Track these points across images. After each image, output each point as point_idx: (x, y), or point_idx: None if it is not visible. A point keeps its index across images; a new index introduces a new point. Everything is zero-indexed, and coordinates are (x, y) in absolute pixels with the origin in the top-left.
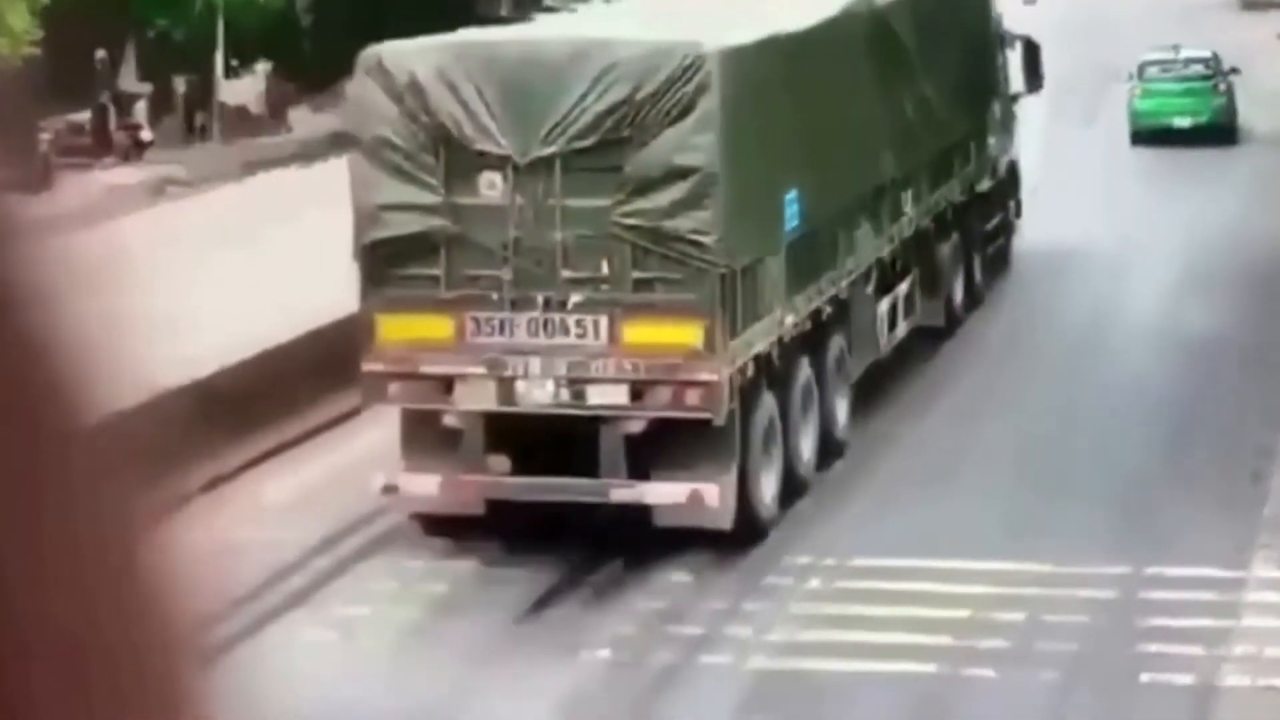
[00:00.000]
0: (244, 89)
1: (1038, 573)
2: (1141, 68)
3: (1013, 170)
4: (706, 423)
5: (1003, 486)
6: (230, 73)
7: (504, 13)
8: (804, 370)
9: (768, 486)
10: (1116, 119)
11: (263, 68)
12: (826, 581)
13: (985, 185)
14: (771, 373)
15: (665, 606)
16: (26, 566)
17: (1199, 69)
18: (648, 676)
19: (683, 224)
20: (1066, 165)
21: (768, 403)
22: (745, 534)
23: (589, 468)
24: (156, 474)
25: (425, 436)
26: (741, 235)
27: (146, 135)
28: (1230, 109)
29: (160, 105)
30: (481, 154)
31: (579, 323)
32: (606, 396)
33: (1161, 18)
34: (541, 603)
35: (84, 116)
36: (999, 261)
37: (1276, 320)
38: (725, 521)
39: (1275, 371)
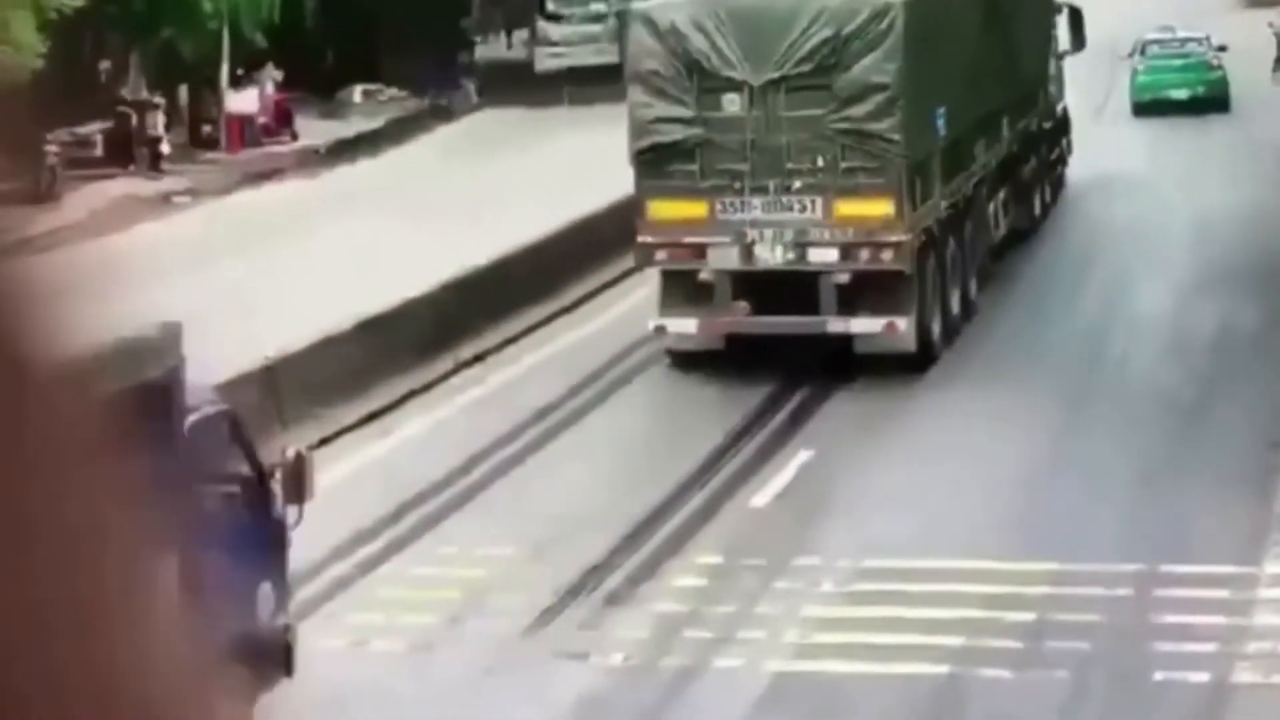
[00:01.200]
0: (250, 98)
1: (1047, 571)
2: (1143, 46)
3: (1065, 114)
4: (897, 273)
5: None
6: (236, 82)
7: (501, 22)
8: (951, 245)
9: (936, 325)
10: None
11: (270, 76)
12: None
13: (1049, 124)
14: (934, 243)
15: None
16: (11, 577)
17: (1194, 46)
18: None
19: (876, 127)
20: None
21: (933, 264)
22: (923, 357)
23: (809, 309)
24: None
25: (682, 291)
26: (916, 137)
27: (165, 147)
28: (1223, 81)
29: (167, 115)
30: (726, 79)
31: (800, 202)
32: (822, 256)
33: (1169, 10)
34: None
35: (90, 128)
36: (1058, 183)
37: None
38: (911, 345)
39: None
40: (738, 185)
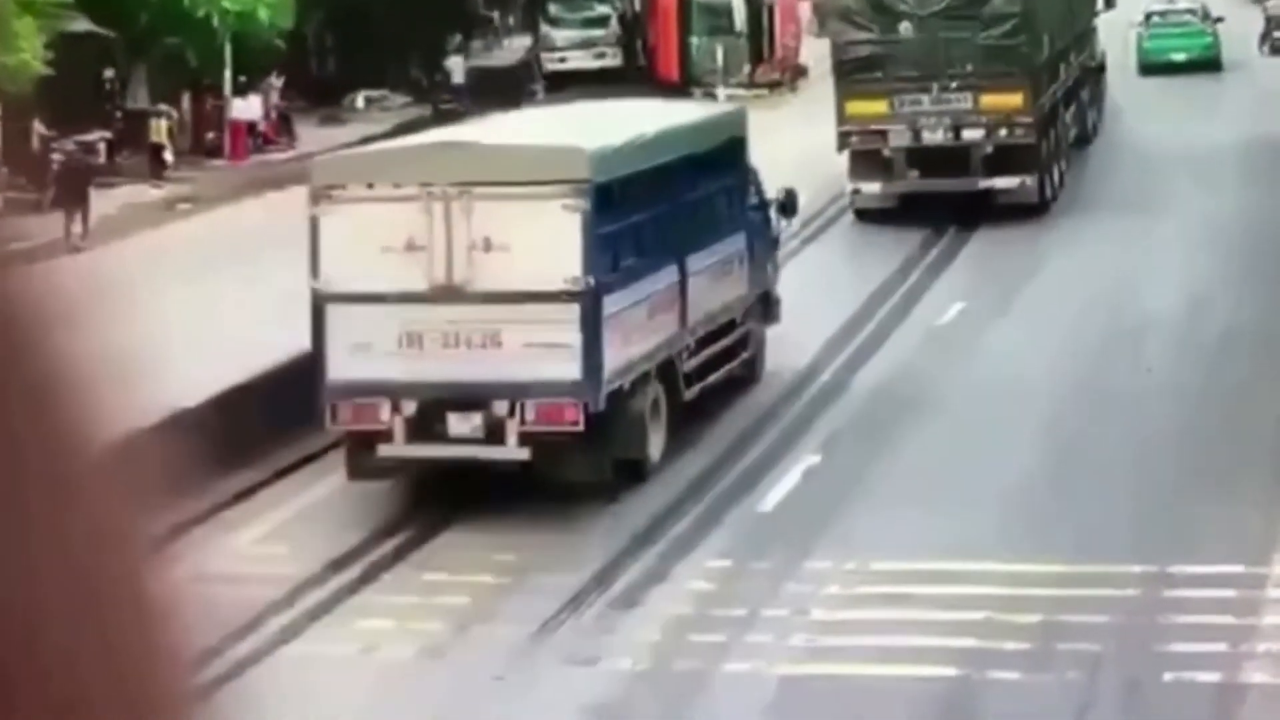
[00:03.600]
0: (253, 106)
1: (1055, 571)
2: (1147, 15)
3: (1104, 58)
4: (1026, 145)
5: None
6: (239, 90)
7: (497, 25)
8: (1053, 131)
9: (1049, 183)
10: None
11: (271, 84)
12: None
13: (1093, 63)
14: (1045, 127)
15: None
16: (13, 593)
17: (1190, 17)
18: None
19: (1011, 42)
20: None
21: (1046, 141)
22: (1042, 204)
23: (963, 173)
24: None
25: (868, 165)
26: (1035, 51)
27: (169, 155)
28: (1216, 46)
29: (170, 123)
30: (900, 12)
31: (956, 97)
32: (972, 134)
33: None
34: None
35: (94, 136)
36: (1101, 109)
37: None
38: (1035, 197)
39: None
40: (910, 87)
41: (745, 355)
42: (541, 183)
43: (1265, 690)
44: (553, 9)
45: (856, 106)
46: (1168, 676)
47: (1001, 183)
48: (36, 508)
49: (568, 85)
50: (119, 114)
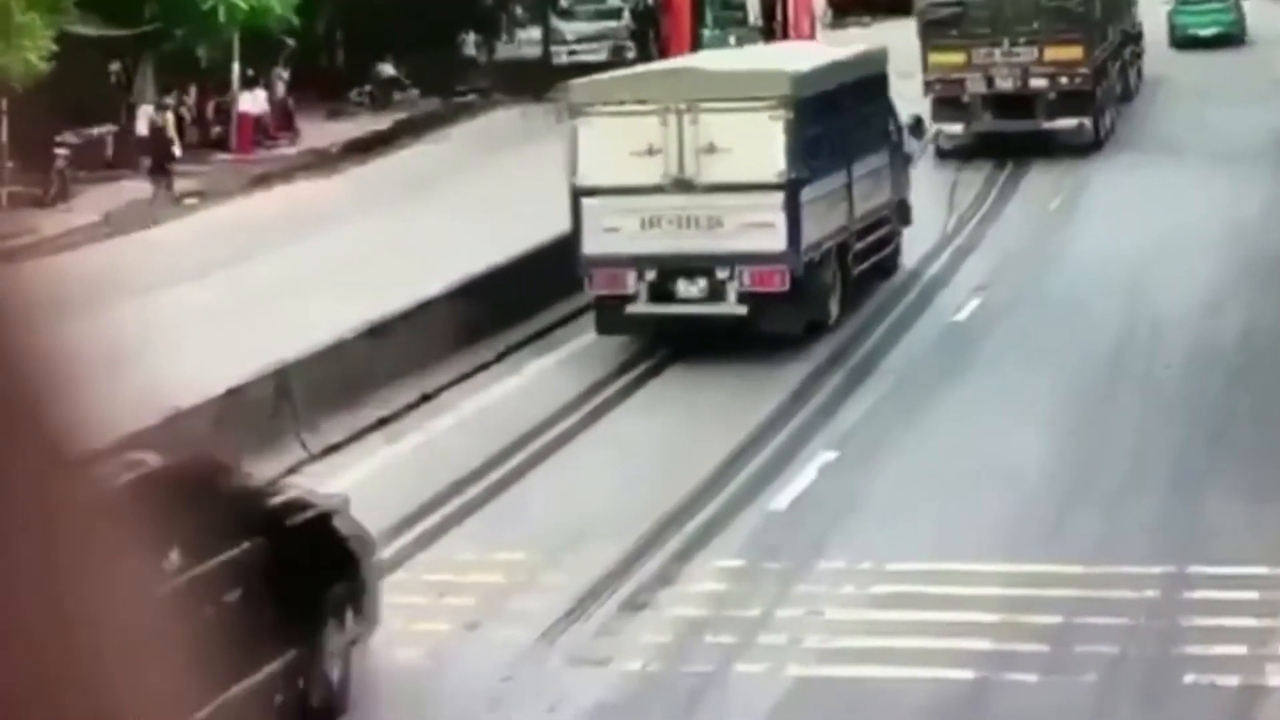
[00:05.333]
0: (257, 99)
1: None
2: None
3: (1141, 27)
4: (1084, 92)
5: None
6: (246, 83)
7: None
8: (1104, 82)
9: (1103, 125)
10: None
11: (278, 77)
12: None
13: (1134, 29)
14: (1099, 78)
15: None
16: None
17: None
18: None
19: (1072, 3)
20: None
21: (1100, 89)
22: (1096, 142)
23: (1029, 116)
24: None
25: (948, 109)
26: (1093, 10)
27: (176, 149)
28: (1241, 22)
29: (177, 117)
30: None
31: (1024, 50)
32: (1037, 83)
33: None
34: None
35: (100, 130)
36: (1140, 71)
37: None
38: (1090, 136)
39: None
40: (984, 41)
41: (889, 249)
42: (753, 98)
43: None
44: (564, 2)
45: (938, 58)
46: (1187, 679)
47: (1062, 124)
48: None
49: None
50: (125, 108)
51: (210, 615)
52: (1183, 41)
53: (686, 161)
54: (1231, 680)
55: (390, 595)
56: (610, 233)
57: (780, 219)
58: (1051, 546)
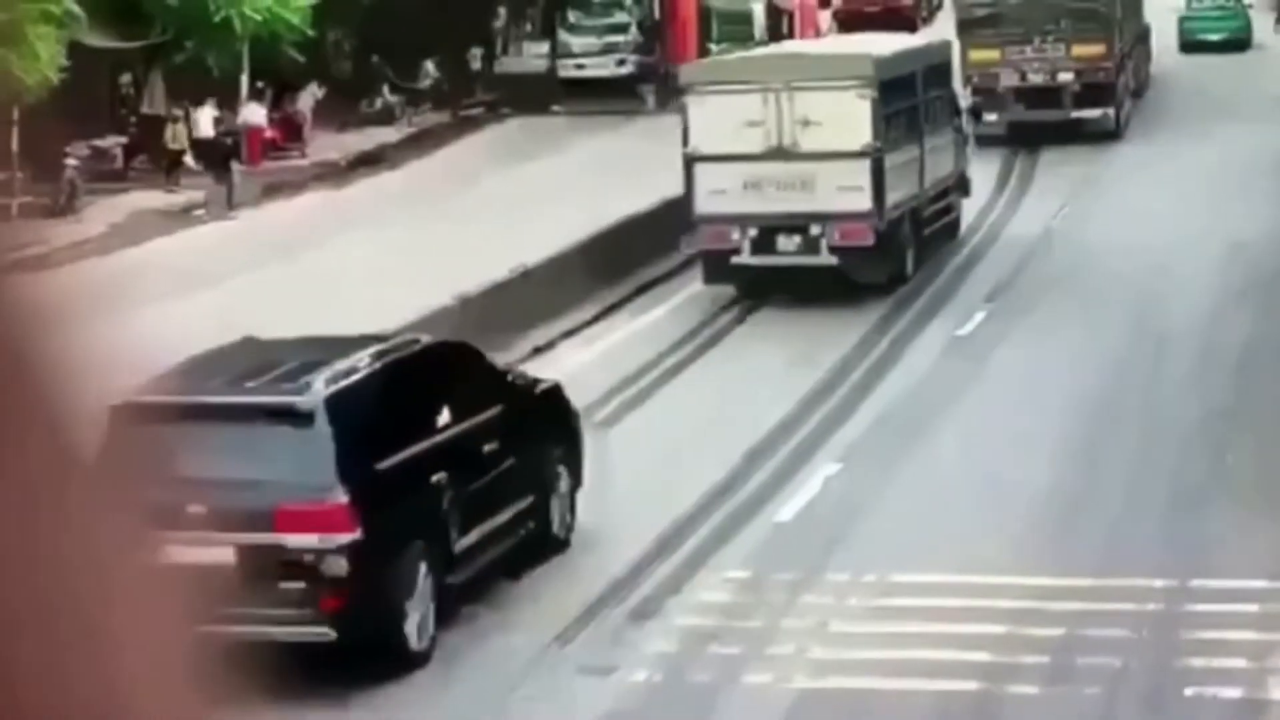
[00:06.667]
0: (257, 112)
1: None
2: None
3: (1149, 28)
4: (1107, 85)
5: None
6: (256, 96)
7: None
8: (1123, 76)
9: (1123, 114)
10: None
11: (312, 93)
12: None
13: (1141, 29)
14: (1119, 73)
15: None
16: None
17: (1225, 1)
18: None
19: (1095, 5)
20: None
21: (1120, 83)
22: (1117, 132)
23: (1057, 107)
24: None
25: (986, 99)
26: (1114, 11)
27: (190, 159)
28: (1247, 28)
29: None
30: None
31: (1052, 47)
32: (1065, 76)
33: None
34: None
35: (110, 141)
36: (1149, 70)
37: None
38: (1113, 125)
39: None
40: (1017, 39)
41: (952, 216)
42: (843, 78)
43: None
44: (571, 16)
45: (976, 55)
46: (1189, 692)
47: (1087, 114)
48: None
49: (584, 92)
50: (134, 119)
51: (475, 462)
52: (1192, 45)
53: (784, 133)
54: (1233, 693)
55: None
56: (718, 194)
57: (866, 182)
58: (1056, 559)
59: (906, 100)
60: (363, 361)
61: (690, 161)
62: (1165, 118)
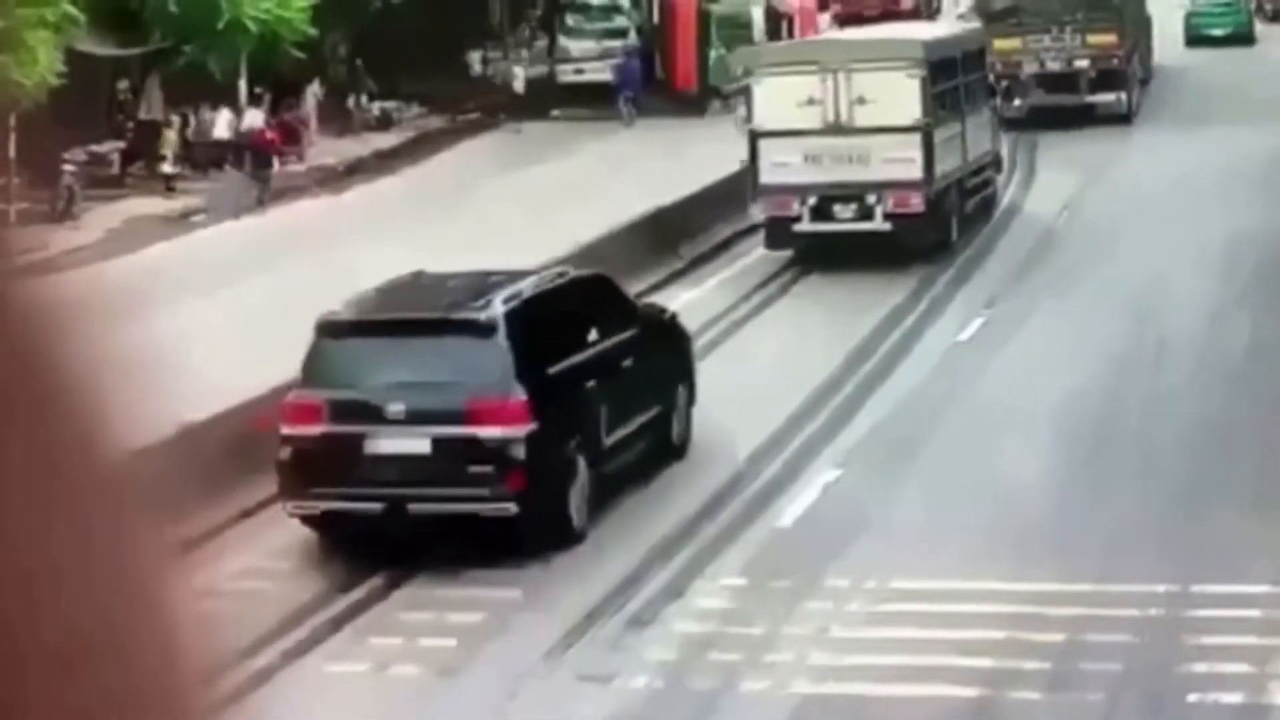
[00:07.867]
0: (255, 117)
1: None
2: None
3: (1150, 18)
4: (1120, 71)
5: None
6: (254, 101)
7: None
8: (1133, 64)
9: (1135, 99)
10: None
11: (313, 94)
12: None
13: (1144, 26)
14: (1129, 60)
15: None
16: (28, 594)
17: None
18: None
19: (1112, 1)
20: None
21: (1131, 69)
22: (1129, 116)
23: (1074, 92)
24: None
25: (1011, 85)
26: (1125, 2)
27: (168, 167)
28: (1250, 23)
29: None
30: None
31: (1069, 37)
32: (1081, 63)
33: None
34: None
35: (107, 147)
36: (1150, 58)
37: (1253, 69)
38: (1126, 109)
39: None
40: (1036, 30)
41: (989, 190)
42: (895, 60)
43: None
44: (570, 20)
45: (999, 45)
46: (1191, 697)
47: (1101, 98)
48: (59, 514)
49: (582, 96)
50: (131, 125)
51: (616, 374)
52: (1196, 40)
53: (841, 110)
54: (1235, 698)
55: None
56: (780, 166)
57: (917, 154)
58: (1056, 563)
59: (950, 81)
60: (528, 286)
61: (755, 137)
62: (1171, 102)
